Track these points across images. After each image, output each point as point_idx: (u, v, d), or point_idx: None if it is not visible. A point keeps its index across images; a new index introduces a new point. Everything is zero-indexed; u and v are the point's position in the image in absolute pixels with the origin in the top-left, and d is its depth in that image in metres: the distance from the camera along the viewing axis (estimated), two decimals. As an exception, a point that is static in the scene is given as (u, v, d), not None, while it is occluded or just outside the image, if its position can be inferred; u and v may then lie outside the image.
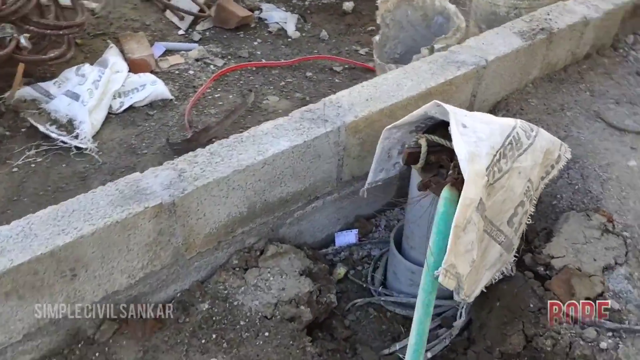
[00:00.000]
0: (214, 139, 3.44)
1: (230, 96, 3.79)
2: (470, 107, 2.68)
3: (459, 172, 1.79)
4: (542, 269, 2.24)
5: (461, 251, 1.72)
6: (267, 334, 2.12)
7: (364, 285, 2.56)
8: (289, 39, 4.37)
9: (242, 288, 2.23)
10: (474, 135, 1.81)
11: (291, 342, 2.11)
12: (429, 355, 2.31)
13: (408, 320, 2.48)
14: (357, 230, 2.67)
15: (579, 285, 2.13)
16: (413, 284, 2.43)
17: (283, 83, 3.92)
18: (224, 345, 2.07)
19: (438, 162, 2.03)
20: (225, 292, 2.22)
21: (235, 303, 2.19)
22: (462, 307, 2.26)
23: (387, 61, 3.51)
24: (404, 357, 2.30)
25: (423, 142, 1.98)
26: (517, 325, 2.13)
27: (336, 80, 3.97)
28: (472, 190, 1.70)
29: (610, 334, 2.03)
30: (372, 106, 2.32)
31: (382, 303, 2.48)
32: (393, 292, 2.50)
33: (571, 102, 2.83)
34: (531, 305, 2.14)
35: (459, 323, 2.28)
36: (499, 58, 2.59)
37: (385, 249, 2.67)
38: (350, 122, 2.26)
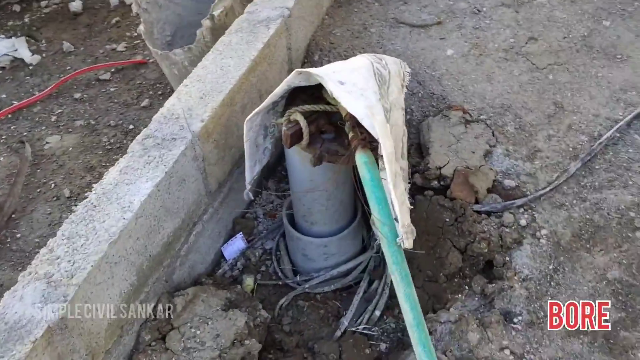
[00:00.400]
0: (13, 215, 2.84)
1: (1, 158, 3.11)
2: (290, 62, 2.52)
3: (361, 132, 1.66)
4: (436, 182, 2.27)
5: (400, 205, 1.62)
6: (229, 391, 1.84)
7: (280, 283, 2.37)
8: (31, 67, 3.69)
9: (172, 359, 1.89)
10: (356, 88, 1.67)
11: (258, 383, 1.87)
12: (377, 313, 2.25)
13: (338, 292, 2.37)
14: (241, 233, 2.43)
15: (476, 181, 2.20)
16: (329, 256, 2.31)
17: (54, 118, 3.33)
18: None
19: (318, 131, 1.88)
20: (157, 375, 1.87)
21: (177, 380, 1.85)
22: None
23: (162, 48, 3.16)
24: (357, 331, 2.23)
25: (299, 117, 1.80)
26: (445, 244, 2.14)
27: (111, 89, 3.49)
28: (388, 143, 1.59)
29: (522, 210, 2.15)
30: (212, 102, 2.04)
31: (308, 290, 2.32)
32: (311, 274, 2.35)
33: (368, 18, 2.83)
34: (447, 220, 2.17)
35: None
36: (298, 1, 2.45)
37: (277, 236, 2.48)
38: (200, 129, 1.96)
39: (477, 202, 2.19)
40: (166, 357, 1.90)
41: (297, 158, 2.00)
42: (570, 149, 2.27)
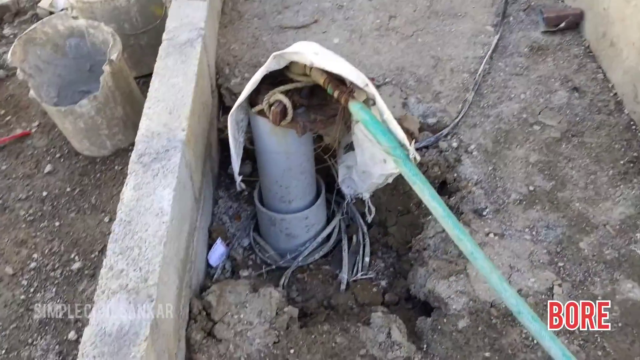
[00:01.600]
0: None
1: None
2: (210, 77, 2.75)
3: (345, 87, 1.99)
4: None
5: (400, 131, 1.96)
6: (292, 351, 2.03)
7: (273, 268, 2.57)
8: None
9: (230, 345, 2.02)
10: (328, 56, 2.01)
11: (313, 336, 2.07)
12: (367, 259, 2.57)
13: (326, 256, 2.64)
14: (219, 238, 2.58)
15: (408, 125, 2.64)
16: (309, 227, 2.57)
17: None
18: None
19: (294, 107, 2.16)
20: (222, 364, 1.98)
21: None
22: (367, 201, 2.51)
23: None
24: (357, 279, 2.53)
25: (281, 96, 2.07)
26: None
27: (2, 167, 3.33)
28: (372, 86, 1.95)
29: (449, 137, 2.64)
30: (182, 114, 2.21)
31: (301, 263, 2.56)
32: (299, 249, 2.58)
33: (255, 31, 3.16)
34: (397, 163, 2.57)
35: (370, 218, 2.56)
36: (206, 23, 2.69)
37: (249, 231, 2.68)
38: (185, 137, 2.13)
39: (415, 141, 2.63)
40: (223, 346, 2.03)
41: (274, 139, 2.25)
42: (461, 85, 2.84)
